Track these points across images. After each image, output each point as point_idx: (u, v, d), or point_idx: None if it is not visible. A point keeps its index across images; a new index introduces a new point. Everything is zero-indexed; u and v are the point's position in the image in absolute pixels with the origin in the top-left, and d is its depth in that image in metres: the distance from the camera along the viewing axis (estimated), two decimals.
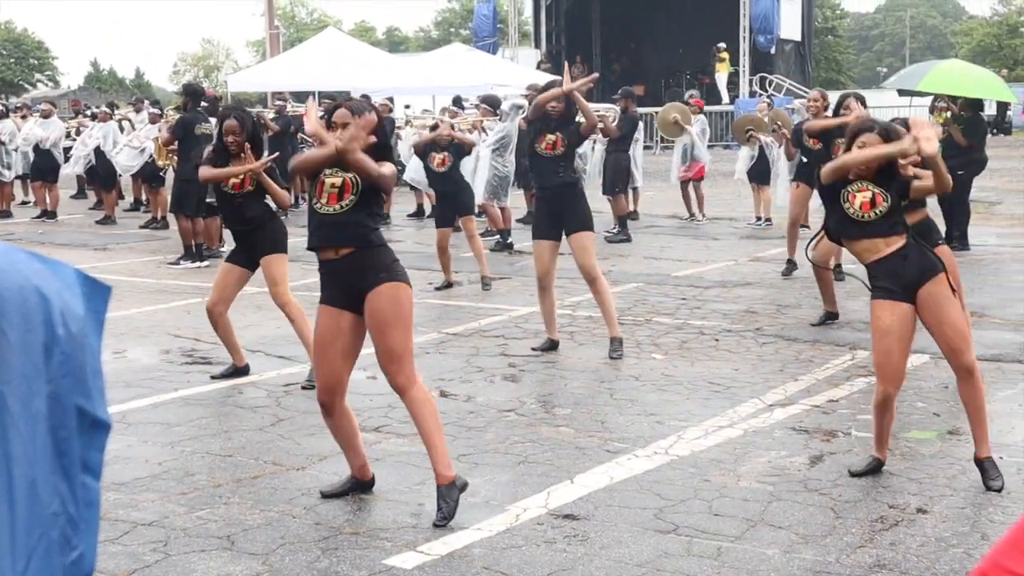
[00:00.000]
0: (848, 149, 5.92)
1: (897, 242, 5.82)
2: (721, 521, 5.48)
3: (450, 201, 12.48)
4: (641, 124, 18.75)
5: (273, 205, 8.30)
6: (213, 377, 8.42)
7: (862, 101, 10.17)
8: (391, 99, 20.98)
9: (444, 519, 5.44)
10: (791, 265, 12.75)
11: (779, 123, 16.46)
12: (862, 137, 5.86)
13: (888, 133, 5.84)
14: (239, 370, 8.45)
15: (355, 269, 5.53)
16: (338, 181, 5.54)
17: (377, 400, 7.66)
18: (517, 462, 6.42)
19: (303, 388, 7.98)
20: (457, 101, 20.53)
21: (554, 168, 8.92)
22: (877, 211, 5.78)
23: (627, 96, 17.42)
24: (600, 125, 17.09)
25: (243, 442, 6.90)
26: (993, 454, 6.33)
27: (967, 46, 70.20)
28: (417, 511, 5.65)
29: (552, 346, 9.22)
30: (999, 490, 5.79)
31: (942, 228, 14.66)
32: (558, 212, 8.97)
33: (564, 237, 8.99)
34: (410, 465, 6.37)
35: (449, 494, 5.51)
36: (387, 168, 5.55)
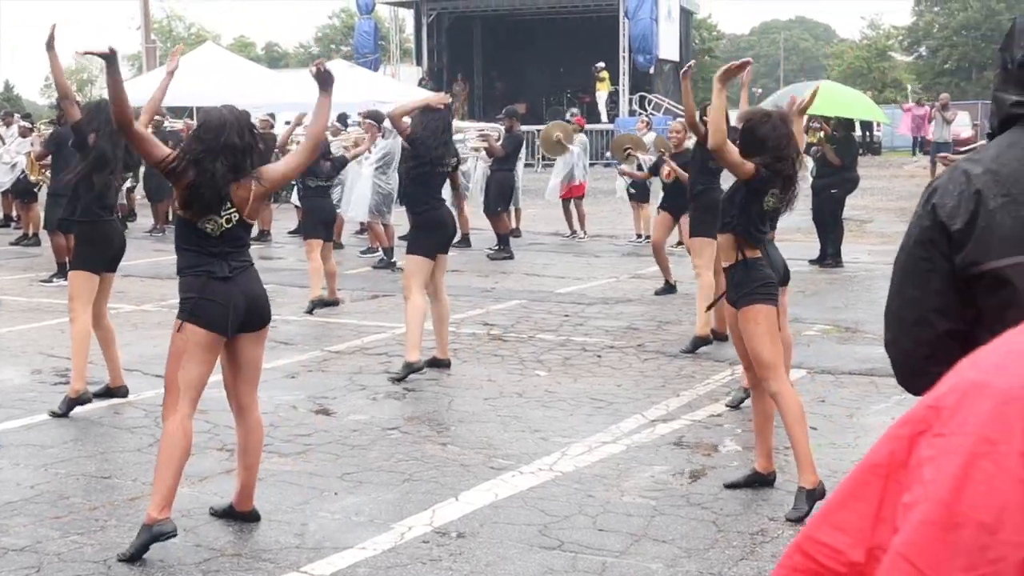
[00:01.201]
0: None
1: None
2: (605, 536, 5.51)
3: (319, 214, 12.36)
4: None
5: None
6: (95, 394, 8.17)
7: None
8: (272, 115, 20.73)
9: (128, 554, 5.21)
10: (669, 287, 12.86)
11: (662, 149, 16.78)
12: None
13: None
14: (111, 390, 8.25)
15: None
16: None
17: None
18: (402, 480, 6.38)
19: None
20: (342, 119, 20.38)
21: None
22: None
23: (511, 115, 17.52)
24: (485, 144, 17.31)
25: (120, 463, 6.74)
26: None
27: (838, 68, 72.02)
28: (300, 531, 5.57)
29: (435, 363, 9.16)
30: (794, 520, 5.68)
31: (816, 247, 15.10)
32: None
33: (438, 255, 9.13)
34: (292, 484, 6.29)
35: (144, 533, 5.21)
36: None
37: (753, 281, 6.01)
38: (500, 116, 18.97)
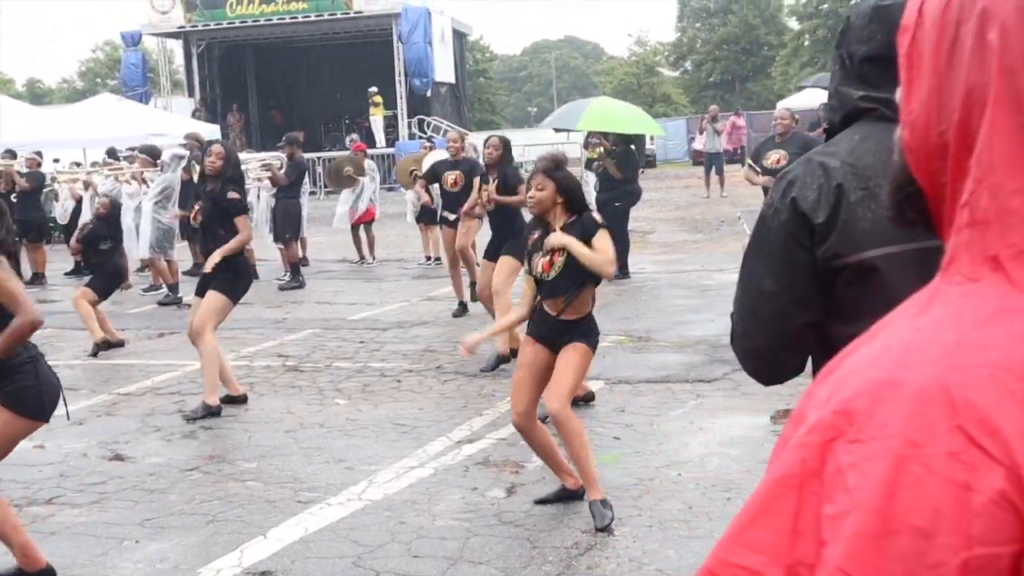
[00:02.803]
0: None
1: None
2: (421, 562, 5.43)
3: (114, 276, 12.03)
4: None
5: None
6: None
7: (506, 145, 10.66)
8: (39, 153, 19.92)
9: None
10: (463, 308, 12.87)
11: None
12: (534, 180, 6.13)
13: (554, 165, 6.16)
14: None
15: None
16: None
17: (47, 471, 7.19)
18: (206, 522, 6.16)
19: None
20: (112, 153, 19.77)
21: None
22: (555, 269, 6.02)
23: (292, 143, 17.22)
24: (268, 175, 16.99)
25: None
26: (672, 471, 6.61)
27: (610, 85, 73.85)
28: None
29: (229, 400, 8.89)
30: (603, 530, 5.75)
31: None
32: None
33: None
34: (89, 536, 6.00)
35: None
36: None
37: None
38: (281, 144, 18.68)
